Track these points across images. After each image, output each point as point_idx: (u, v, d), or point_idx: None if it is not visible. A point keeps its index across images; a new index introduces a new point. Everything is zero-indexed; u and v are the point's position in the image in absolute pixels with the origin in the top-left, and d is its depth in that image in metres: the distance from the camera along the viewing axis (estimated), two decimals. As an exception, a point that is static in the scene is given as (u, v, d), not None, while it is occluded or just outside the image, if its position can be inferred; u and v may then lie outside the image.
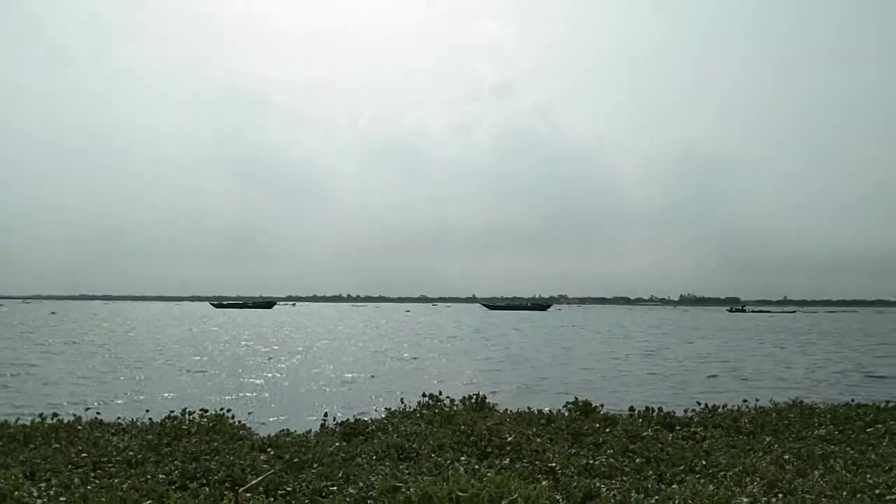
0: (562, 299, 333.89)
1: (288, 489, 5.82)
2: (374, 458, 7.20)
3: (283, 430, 8.68)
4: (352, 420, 9.46)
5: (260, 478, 5.85)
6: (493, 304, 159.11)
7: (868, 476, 6.53)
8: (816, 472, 6.78)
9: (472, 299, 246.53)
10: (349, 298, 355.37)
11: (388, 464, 6.89)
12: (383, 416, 10.16)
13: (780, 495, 5.98)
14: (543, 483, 5.67)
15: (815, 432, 8.81)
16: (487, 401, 10.46)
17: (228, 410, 9.21)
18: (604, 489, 5.85)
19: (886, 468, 6.88)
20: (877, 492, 6.01)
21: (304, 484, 6.00)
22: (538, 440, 7.86)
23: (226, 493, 5.56)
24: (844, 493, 5.95)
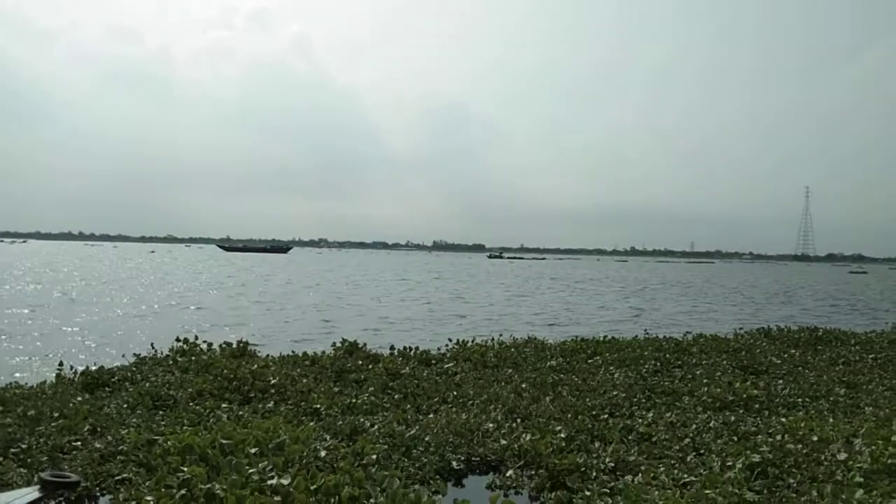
0: (322, 243, 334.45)
1: (23, 446, 5.20)
2: (125, 408, 6.70)
3: (10, 382, 7.67)
4: (94, 369, 8.61)
5: None
6: (229, 246, 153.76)
7: (588, 399, 7.64)
8: (548, 398, 7.74)
9: (228, 240, 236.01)
10: (81, 236, 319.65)
11: (141, 413, 6.46)
12: (131, 363, 9.39)
13: (519, 420, 6.76)
14: (311, 424, 5.75)
15: (548, 364, 10.00)
16: (250, 346, 10.21)
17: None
18: (368, 424, 6.13)
19: (601, 392, 8.08)
20: (594, 413, 7.07)
21: (41, 440, 5.41)
22: (304, 381, 7.92)
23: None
24: (569, 415, 6.90)
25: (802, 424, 6.33)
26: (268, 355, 9.98)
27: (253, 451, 4.59)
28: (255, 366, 8.26)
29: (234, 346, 10.05)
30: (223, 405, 6.81)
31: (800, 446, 5.47)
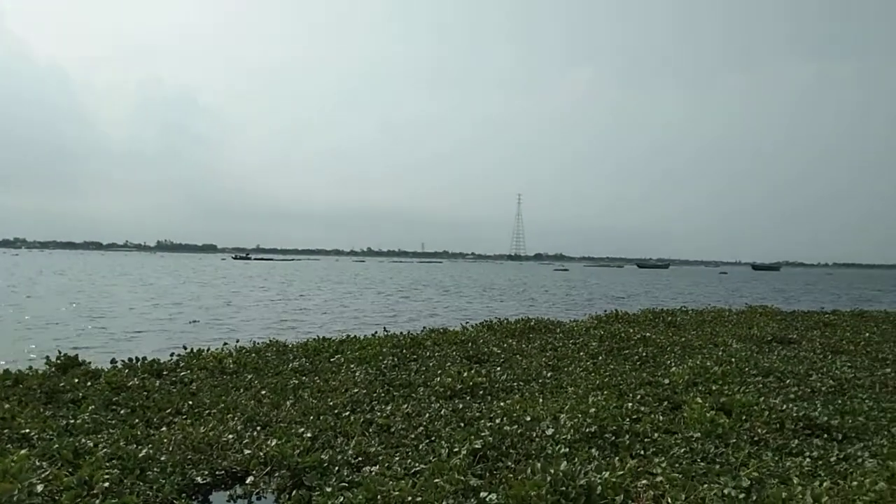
0: (19, 243, 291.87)
1: None
2: None
3: None
4: None
5: None
6: None
7: (330, 399, 7.80)
8: (289, 402, 7.73)
9: None
10: None
11: None
12: None
13: (259, 427, 6.67)
14: (22, 452, 5.06)
15: (290, 366, 9.95)
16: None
17: None
18: (91, 444, 5.58)
19: (343, 391, 8.29)
20: (336, 411, 7.26)
21: None
22: (6, 405, 6.91)
23: None
24: (311, 417, 6.99)
25: (518, 406, 7.20)
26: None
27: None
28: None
29: None
30: None
31: (516, 426, 6.22)
